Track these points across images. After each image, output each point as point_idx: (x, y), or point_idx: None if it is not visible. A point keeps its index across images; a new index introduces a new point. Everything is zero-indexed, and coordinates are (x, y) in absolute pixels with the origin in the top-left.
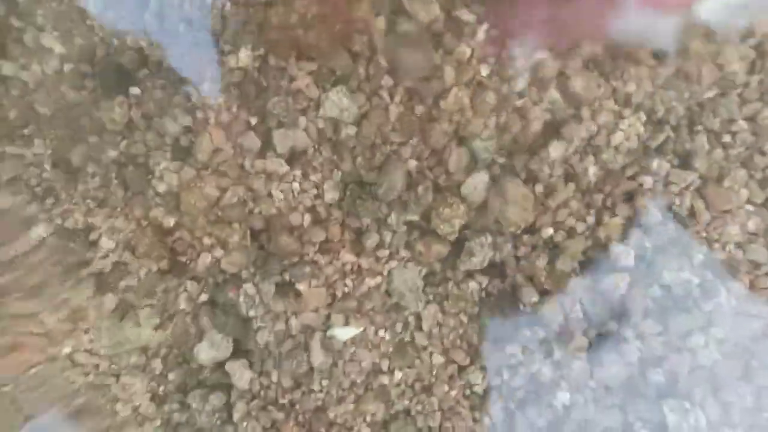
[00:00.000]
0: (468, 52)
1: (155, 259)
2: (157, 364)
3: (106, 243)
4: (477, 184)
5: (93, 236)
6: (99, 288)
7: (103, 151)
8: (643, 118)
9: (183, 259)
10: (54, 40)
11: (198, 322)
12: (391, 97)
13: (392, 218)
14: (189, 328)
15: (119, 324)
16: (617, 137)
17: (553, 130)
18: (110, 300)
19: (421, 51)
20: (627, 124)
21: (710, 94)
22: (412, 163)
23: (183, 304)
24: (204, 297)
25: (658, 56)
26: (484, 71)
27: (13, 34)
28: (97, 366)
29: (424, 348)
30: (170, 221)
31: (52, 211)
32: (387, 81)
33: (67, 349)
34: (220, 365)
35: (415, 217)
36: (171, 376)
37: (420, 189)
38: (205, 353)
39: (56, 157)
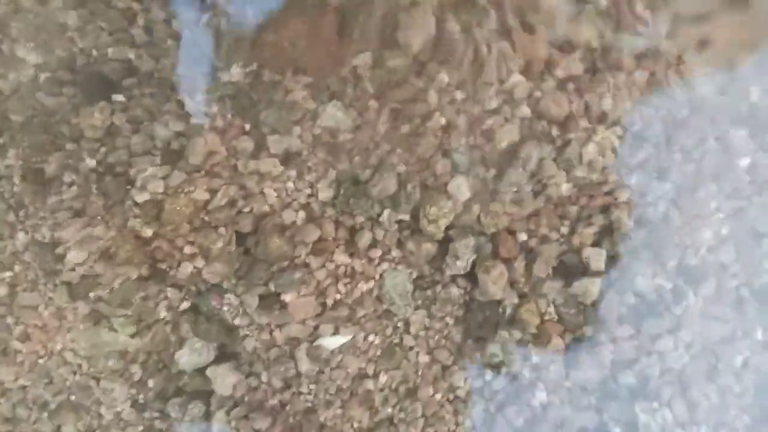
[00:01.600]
0: (446, 79)
1: (136, 265)
2: (136, 370)
3: (74, 257)
4: (460, 184)
5: (59, 250)
6: (71, 296)
7: (81, 159)
8: (619, 132)
9: (163, 266)
10: (29, 51)
11: (178, 330)
12: (378, 116)
13: (384, 216)
14: (169, 336)
15: (94, 328)
16: (589, 152)
17: (520, 146)
18: (83, 306)
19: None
20: (601, 137)
21: (684, 112)
22: (401, 168)
23: (163, 313)
24: (186, 304)
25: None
26: (460, 96)
27: None
28: (80, 366)
29: (411, 348)
30: (148, 232)
31: (26, 223)
32: (373, 104)
33: (58, 346)
34: (200, 371)
35: (405, 216)
36: (150, 383)
37: (409, 187)
38: (186, 359)
39: (26, 169)
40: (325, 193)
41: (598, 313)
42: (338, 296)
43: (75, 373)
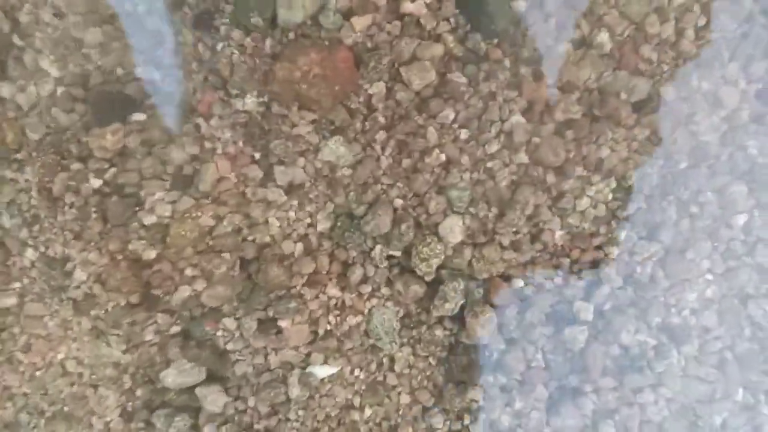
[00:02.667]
0: (451, 116)
1: (126, 293)
2: (127, 379)
3: (79, 275)
4: (453, 226)
5: (69, 267)
6: (76, 311)
7: (85, 180)
8: (613, 185)
9: (157, 292)
10: (50, 63)
11: (165, 352)
12: (383, 149)
13: (376, 252)
14: (155, 356)
15: (95, 341)
16: (583, 203)
17: (518, 190)
18: (86, 322)
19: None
20: (594, 191)
21: (683, 165)
22: (398, 202)
23: (149, 336)
24: (176, 329)
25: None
26: (464, 135)
27: (14, 53)
28: (81, 375)
29: (394, 387)
30: (151, 254)
31: (37, 239)
32: (381, 135)
33: (61, 355)
34: (188, 389)
35: (397, 253)
36: (138, 392)
37: (403, 227)
38: (172, 379)
39: (40, 186)
40: (323, 225)
41: (583, 362)
42: (329, 327)
43: (73, 384)
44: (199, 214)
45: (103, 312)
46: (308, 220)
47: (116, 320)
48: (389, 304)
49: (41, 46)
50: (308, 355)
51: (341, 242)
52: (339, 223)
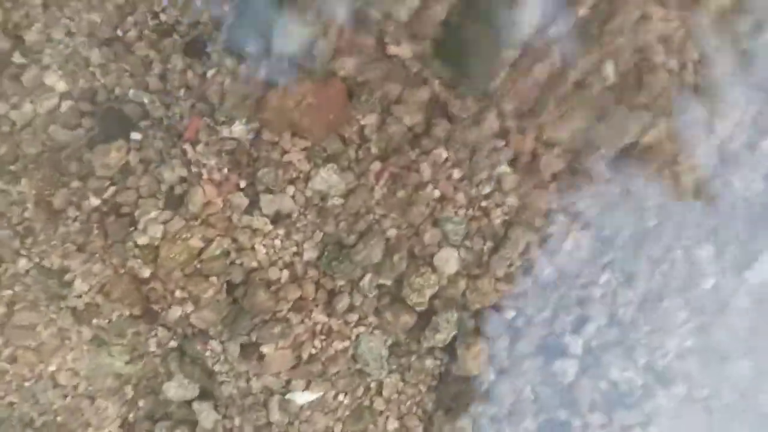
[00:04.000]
0: (444, 155)
1: (128, 305)
2: (129, 390)
3: (80, 285)
4: (449, 257)
5: (68, 277)
6: (76, 320)
7: (85, 197)
8: (592, 232)
9: (156, 307)
10: (58, 78)
11: (167, 364)
12: (377, 179)
13: (365, 281)
14: (158, 367)
15: (97, 350)
16: (567, 246)
17: (510, 229)
18: (87, 331)
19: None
20: (573, 237)
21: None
22: (392, 232)
23: (153, 347)
24: (173, 344)
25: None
26: (457, 174)
27: (11, 71)
28: (76, 387)
29: (381, 413)
30: (146, 272)
31: (31, 250)
32: (375, 165)
33: (52, 367)
34: (187, 402)
35: (387, 282)
36: (141, 403)
37: (396, 257)
38: (174, 391)
39: (39, 198)
40: (309, 254)
41: (573, 395)
42: (313, 351)
43: (66, 396)
44: (189, 235)
45: (106, 321)
46: (294, 249)
47: (120, 330)
48: (377, 332)
49: (50, 62)
50: (289, 381)
51: (328, 271)
52: (326, 252)
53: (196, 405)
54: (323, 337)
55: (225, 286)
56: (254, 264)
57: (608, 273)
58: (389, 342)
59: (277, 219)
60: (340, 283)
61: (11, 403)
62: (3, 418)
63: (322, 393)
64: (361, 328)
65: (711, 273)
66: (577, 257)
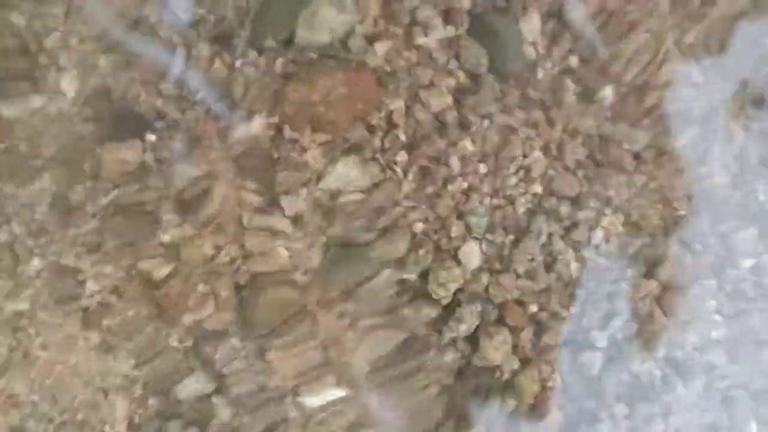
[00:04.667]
0: (470, 147)
1: (143, 305)
2: (137, 389)
3: (92, 285)
4: (471, 252)
5: (80, 277)
6: (85, 323)
7: (104, 193)
8: (622, 219)
9: (170, 308)
10: (73, 78)
11: (188, 360)
12: (405, 173)
13: (383, 276)
14: (180, 363)
15: (104, 356)
16: (597, 236)
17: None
18: (95, 336)
19: None
20: (607, 222)
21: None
22: (419, 226)
23: (174, 343)
24: (188, 343)
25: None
26: (483, 169)
27: (42, 69)
28: (90, 381)
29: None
30: (165, 271)
31: (46, 249)
32: (402, 156)
33: (71, 363)
34: (200, 399)
35: (412, 276)
36: (151, 401)
37: (421, 251)
38: (192, 387)
39: (56, 196)
40: (312, 260)
41: (600, 385)
42: (319, 357)
43: (87, 385)
44: (202, 238)
45: (116, 323)
46: (299, 255)
47: (132, 330)
48: (382, 332)
49: (66, 64)
50: (299, 385)
51: (333, 275)
52: (330, 257)
53: (214, 399)
54: (329, 343)
55: (234, 291)
56: (264, 269)
57: (633, 266)
58: (401, 339)
59: (294, 221)
60: (350, 283)
61: (34, 402)
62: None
63: (331, 398)
64: (367, 332)
65: (753, 254)
66: (604, 249)
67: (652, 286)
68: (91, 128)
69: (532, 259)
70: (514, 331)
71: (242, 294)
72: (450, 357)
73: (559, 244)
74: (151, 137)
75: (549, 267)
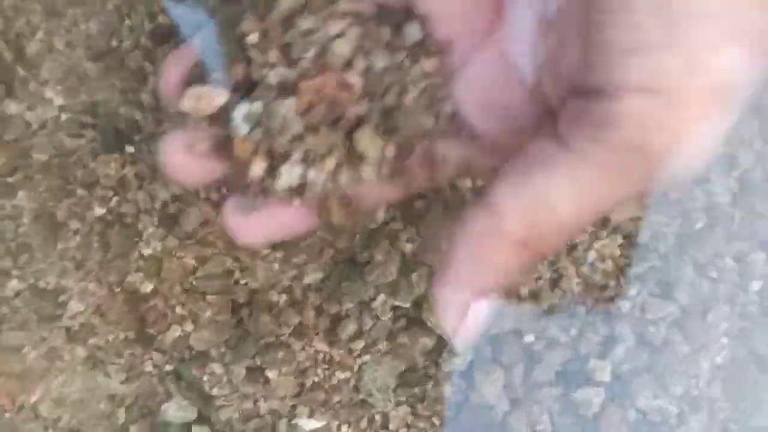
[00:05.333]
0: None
1: (123, 328)
2: (121, 415)
3: (76, 306)
4: None
5: (63, 298)
6: (70, 340)
7: (89, 207)
8: (619, 240)
9: (151, 330)
10: (56, 93)
11: (165, 385)
12: None
13: (378, 302)
14: (156, 388)
15: (91, 371)
16: (591, 256)
17: None
18: (81, 351)
19: None
20: (600, 245)
21: (700, 224)
22: (408, 247)
23: (149, 368)
24: (169, 367)
25: None
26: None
27: (20, 77)
28: (58, 419)
29: None
30: (148, 287)
31: (25, 269)
32: None
33: (34, 397)
34: (186, 425)
35: (405, 304)
36: (133, 429)
37: (414, 276)
38: (173, 412)
39: (40, 212)
40: (313, 276)
41: (597, 427)
42: (316, 379)
43: (47, 428)
44: (183, 254)
45: (103, 342)
46: (294, 272)
47: (117, 350)
48: (387, 359)
49: (48, 76)
50: (294, 406)
51: (335, 294)
52: (334, 274)
53: (195, 428)
54: (325, 366)
55: (229, 305)
56: (256, 285)
57: (639, 286)
58: (402, 368)
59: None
60: (348, 306)
61: None
62: None
63: (325, 422)
64: (366, 357)
65: (761, 276)
66: (601, 268)
67: (670, 309)
68: (82, 139)
69: (539, 278)
70: (507, 367)
71: (239, 310)
72: (448, 390)
73: (563, 261)
74: (130, 149)
75: (555, 284)
